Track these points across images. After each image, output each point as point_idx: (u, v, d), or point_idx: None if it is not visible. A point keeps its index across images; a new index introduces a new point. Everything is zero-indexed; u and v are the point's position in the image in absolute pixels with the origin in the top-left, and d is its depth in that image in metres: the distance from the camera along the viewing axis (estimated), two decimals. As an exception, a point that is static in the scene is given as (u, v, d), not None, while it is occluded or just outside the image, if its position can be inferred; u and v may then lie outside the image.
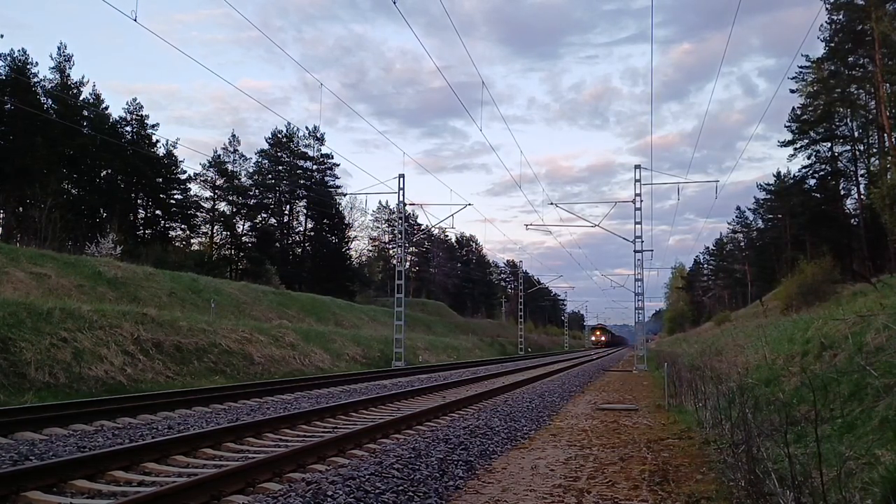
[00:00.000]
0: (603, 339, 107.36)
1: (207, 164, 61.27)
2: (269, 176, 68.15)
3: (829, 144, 52.26)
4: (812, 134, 52.60)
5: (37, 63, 45.88)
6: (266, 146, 68.63)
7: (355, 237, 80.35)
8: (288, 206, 68.84)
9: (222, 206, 63.09)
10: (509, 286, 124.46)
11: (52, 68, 48.43)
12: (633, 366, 30.01)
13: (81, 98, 50.02)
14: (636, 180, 29.01)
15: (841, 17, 42.59)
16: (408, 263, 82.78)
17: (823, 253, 42.02)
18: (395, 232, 41.85)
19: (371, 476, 6.01)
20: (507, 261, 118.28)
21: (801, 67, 48.69)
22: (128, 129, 54.70)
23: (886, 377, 7.60)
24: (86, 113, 49.92)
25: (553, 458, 7.51)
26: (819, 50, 46.35)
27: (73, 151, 46.29)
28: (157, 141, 56.67)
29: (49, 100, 46.87)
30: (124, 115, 54.79)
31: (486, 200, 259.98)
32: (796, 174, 59.14)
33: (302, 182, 68.57)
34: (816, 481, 4.22)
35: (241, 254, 62.14)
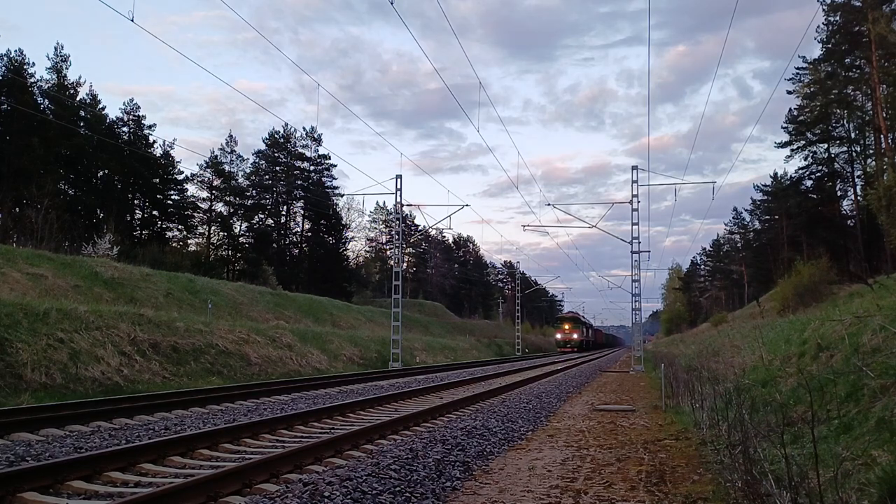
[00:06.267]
0: (575, 336, 66.80)
1: (204, 165, 61.30)
2: (266, 177, 68.10)
3: (826, 146, 52.32)
4: (808, 135, 52.68)
5: (33, 63, 45.95)
6: (263, 147, 68.69)
7: (352, 238, 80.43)
8: (285, 207, 68.77)
9: (219, 207, 63.16)
10: (506, 287, 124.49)
11: (49, 69, 48.43)
12: (631, 367, 30.05)
13: (78, 98, 49.96)
14: (633, 181, 29.01)
15: (837, 18, 42.72)
16: (405, 264, 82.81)
17: (820, 254, 42.04)
18: (393, 233, 41.82)
19: (368, 477, 6.00)
20: (505, 262, 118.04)
21: (797, 69, 48.85)
22: (124, 129, 54.66)
23: (883, 378, 7.61)
24: (82, 113, 49.83)
25: (550, 459, 7.51)
26: (815, 51, 46.56)
27: (70, 152, 46.21)
28: (154, 141, 56.79)
29: (46, 100, 46.77)
30: (121, 115, 54.88)
31: (482, 201, 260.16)
32: (793, 175, 59.31)
33: (299, 183, 68.52)
34: (813, 482, 4.23)
35: (238, 254, 62.08)
